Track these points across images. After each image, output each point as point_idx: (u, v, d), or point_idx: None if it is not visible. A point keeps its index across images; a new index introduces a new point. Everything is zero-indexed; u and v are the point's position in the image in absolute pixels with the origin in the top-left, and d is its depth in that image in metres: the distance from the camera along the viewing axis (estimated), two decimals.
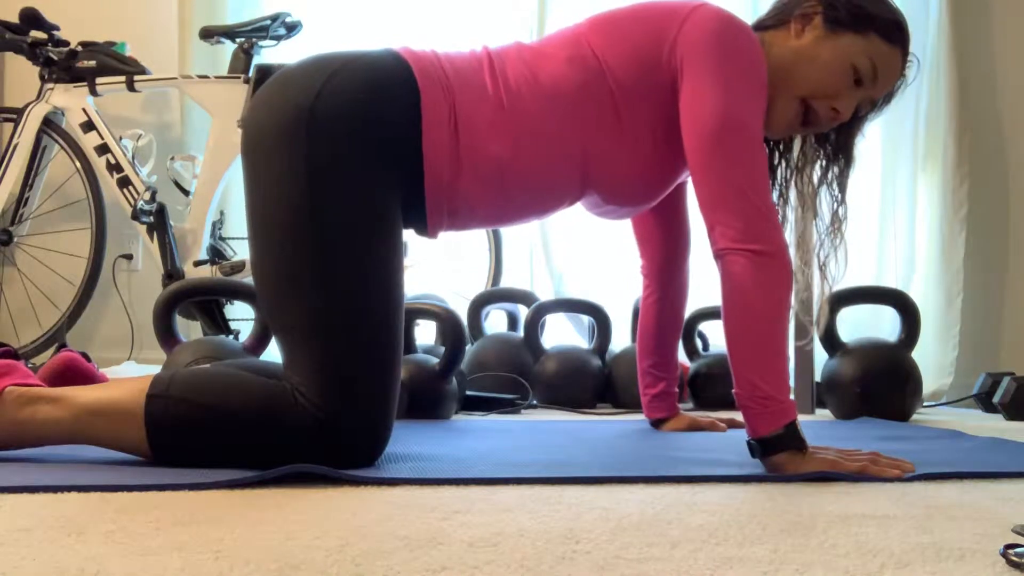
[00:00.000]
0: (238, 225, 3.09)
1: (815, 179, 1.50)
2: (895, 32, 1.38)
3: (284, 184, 1.19)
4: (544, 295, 2.94)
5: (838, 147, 1.48)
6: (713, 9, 1.33)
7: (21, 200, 3.18)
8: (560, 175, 1.35)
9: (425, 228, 1.34)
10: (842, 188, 1.48)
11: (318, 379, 1.15)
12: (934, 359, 3.03)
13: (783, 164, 1.56)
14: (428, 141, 1.25)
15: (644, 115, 1.34)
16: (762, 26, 1.46)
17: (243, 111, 2.81)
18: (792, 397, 1.22)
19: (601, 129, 1.33)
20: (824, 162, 1.50)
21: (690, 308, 2.46)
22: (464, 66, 1.31)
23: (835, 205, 1.48)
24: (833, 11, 1.38)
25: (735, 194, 1.24)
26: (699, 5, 1.34)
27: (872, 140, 3.17)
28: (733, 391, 1.22)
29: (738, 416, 1.24)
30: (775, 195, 1.54)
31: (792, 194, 1.54)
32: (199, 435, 1.14)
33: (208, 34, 2.98)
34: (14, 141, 3.05)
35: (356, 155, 1.21)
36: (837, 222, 1.47)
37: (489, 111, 1.28)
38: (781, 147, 1.56)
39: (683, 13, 1.33)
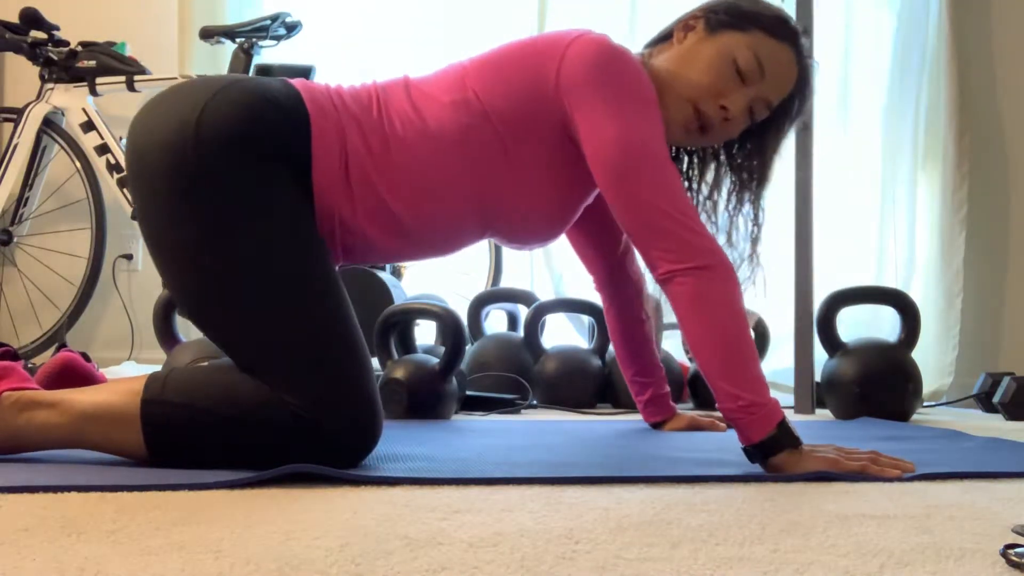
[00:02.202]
0: None
1: (730, 207, 1.47)
2: (779, 27, 1.36)
3: (180, 207, 1.17)
4: (544, 295, 2.94)
5: (752, 169, 1.45)
6: (588, 39, 1.30)
7: (21, 200, 3.19)
8: (455, 219, 1.33)
9: None
10: (757, 213, 1.45)
11: (288, 386, 1.14)
12: (934, 359, 3.03)
13: (697, 191, 1.52)
14: (318, 172, 1.23)
15: (535, 154, 1.32)
16: (648, 44, 1.46)
17: None
18: (779, 396, 1.22)
19: (491, 172, 1.31)
20: (738, 186, 1.47)
21: None
22: (355, 103, 1.29)
23: (752, 232, 1.45)
24: (714, 15, 1.37)
25: (660, 217, 1.23)
26: (575, 38, 1.31)
27: (872, 140, 3.17)
28: (717, 406, 1.23)
29: None
30: None
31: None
32: (196, 439, 1.14)
33: (208, 34, 2.99)
34: (14, 141, 3.05)
35: (248, 164, 1.18)
36: (752, 249, 1.44)
37: (377, 152, 1.26)
38: (695, 173, 1.53)
39: (561, 48, 1.30)
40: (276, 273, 1.17)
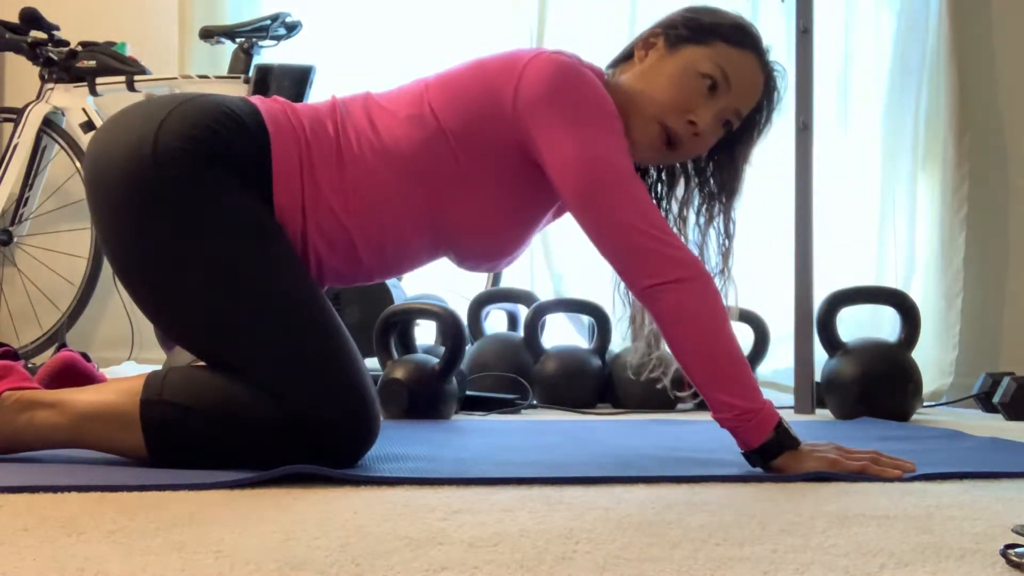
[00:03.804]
0: None
1: (701, 221, 1.44)
2: (740, 35, 1.34)
3: (143, 224, 1.18)
4: (544, 295, 2.94)
5: (723, 182, 1.43)
6: (545, 59, 1.28)
7: (21, 200, 3.18)
8: (407, 237, 1.32)
9: None
10: (727, 225, 1.43)
11: (278, 386, 1.14)
12: (934, 359, 3.03)
13: (667, 208, 1.49)
14: (278, 189, 1.23)
15: (488, 172, 1.30)
16: (611, 64, 1.44)
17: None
18: (779, 396, 1.22)
19: (442, 188, 1.30)
20: (708, 199, 1.44)
21: None
22: (312, 120, 1.28)
23: (723, 245, 1.43)
24: (673, 30, 1.35)
25: (633, 234, 1.22)
26: (533, 57, 1.29)
27: (872, 140, 3.17)
28: (712, 417, 1.23)
29: None
30: None
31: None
32: (195, 438, 1.14)
33: (208, 34, 2.98)
34: (14, 141, 3.05)
35: (208, 176, 1.19)
36: (724, 263, 1.42)
37: (333, 168, 1.26)
38: (664, 188, 1.50)
39: (518, 69, 1.28)
40: (247, 277, 1.18)
